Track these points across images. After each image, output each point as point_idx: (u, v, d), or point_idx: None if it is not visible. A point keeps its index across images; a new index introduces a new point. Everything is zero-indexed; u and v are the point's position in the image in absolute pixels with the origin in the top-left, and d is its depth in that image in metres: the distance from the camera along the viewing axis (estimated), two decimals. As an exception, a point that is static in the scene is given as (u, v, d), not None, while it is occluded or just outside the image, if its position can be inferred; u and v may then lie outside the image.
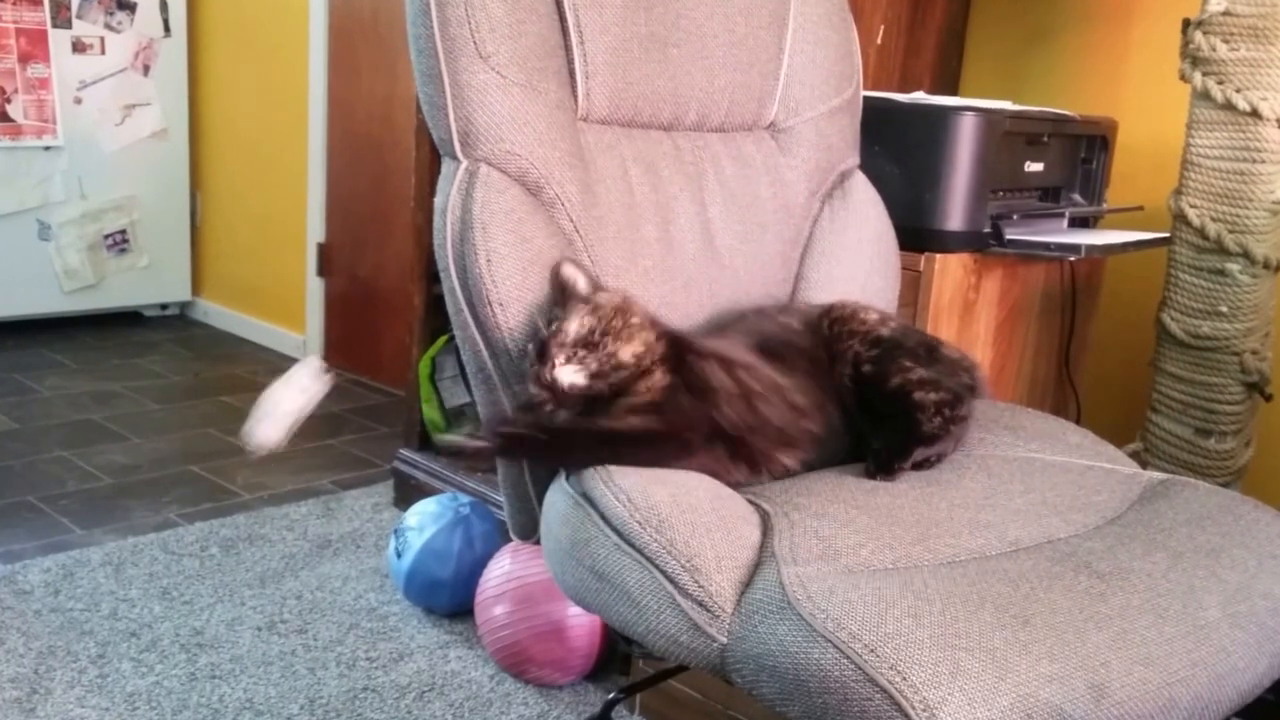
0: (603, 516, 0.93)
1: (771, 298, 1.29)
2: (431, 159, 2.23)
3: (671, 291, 1.18)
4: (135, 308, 3.93)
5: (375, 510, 2.43)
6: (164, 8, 3.71)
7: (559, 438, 0.98)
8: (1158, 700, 0.79)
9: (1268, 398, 1.73)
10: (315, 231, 3.53)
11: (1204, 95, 1.63)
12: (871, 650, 0.75)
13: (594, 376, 0.96)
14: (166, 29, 3.73)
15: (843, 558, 0.88)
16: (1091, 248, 1.60)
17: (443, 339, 2.38)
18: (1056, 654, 0.77)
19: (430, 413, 2.39)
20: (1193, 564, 0.93)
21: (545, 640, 1.74)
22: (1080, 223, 1.82)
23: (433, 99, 1.06)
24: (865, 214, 1.36)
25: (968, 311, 1.63)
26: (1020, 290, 1.73)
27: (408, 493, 2.37)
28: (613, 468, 0.95)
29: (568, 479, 0.98)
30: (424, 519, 1.97)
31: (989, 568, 0.89)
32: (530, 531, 1.10)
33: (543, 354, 0.97)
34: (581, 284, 1.01)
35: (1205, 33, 1.62)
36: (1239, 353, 1.68)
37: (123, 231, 3.75)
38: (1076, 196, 1.84)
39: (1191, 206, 1.67)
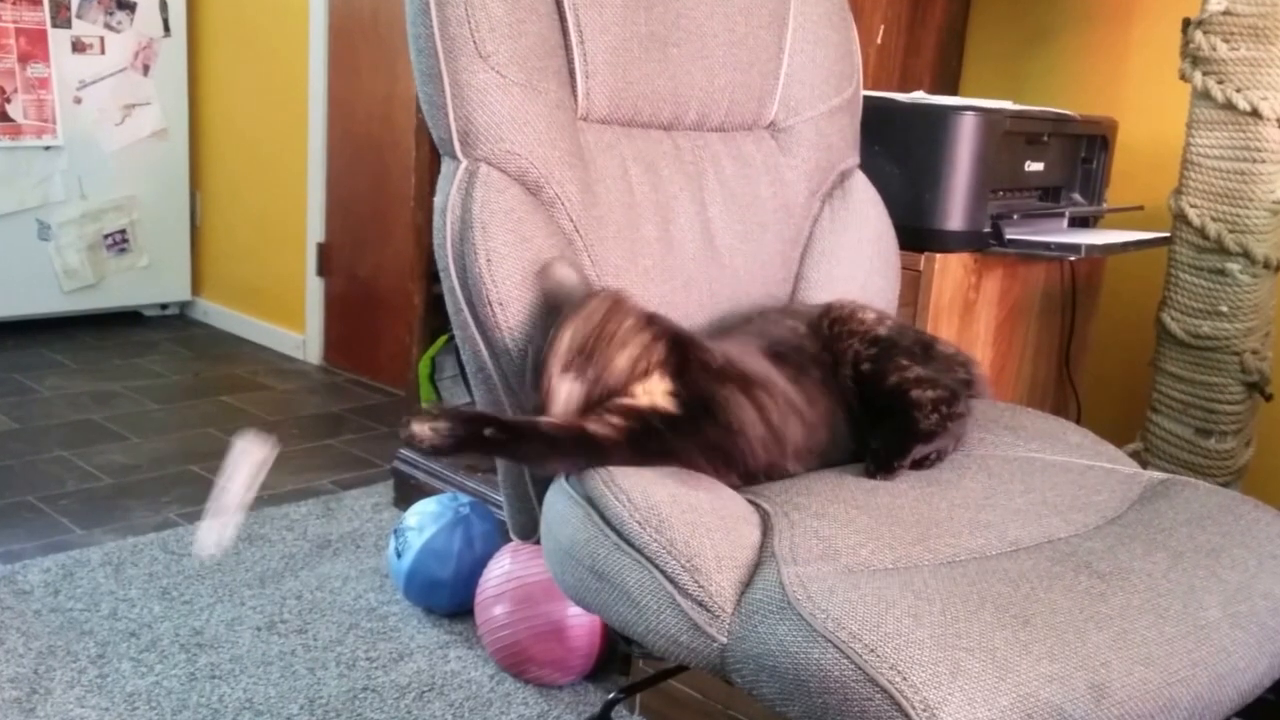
0: (602, 516, 0.93)
1: (771, 297, 1.29)
2: (431, 159, 2.23)
3: (671, 291, 1.18)
4: (135, 307, 3.93)
5: (375, 510, 2.43)
6: (164, 7, 3.70)
7: (536, 440, 0.95)
8: (1158, 700, 0.79)
9: (1268, 397, 1.73)
10: (315, 231, 3.53)
11: (1204, 95, 1.63)
12: (872, 650, 0.75)
13: (593, 384, 0.95)
14: (166, 29, 3.73)
15: (843, 557, 0.88)
16: (1091, 247, 1.60)
17: (443, 339, 2.38)
18: (1057, 654, 0.77)
19: (430, 412, 2.39)
20: (1193, 564, 0.93)
21: (545, 640, 1.74)
22: (1080, 222, 1.82)
23: (432, 98, 1.06)
24: (865, 214, 1.36)
25: (968, 311, 1.63)
26: (1020, 290, 1.73)
27: (408, 493, 2.37)
28: (613, 468, 0.94)
29: (567, 479, 0.98)
30: (424, 519, 1.97)
31: (989, 567, 0.89)
32: (530, 531, 1.10)
33: (539, 368, 0.96)
34: (572, 286, 1.00)
35: (1205, 32, 1.62)
36: (1239, 352, 1.68)
37: (122, 231, 3.75)
38: (1077, 196, 1.84)
39: (1192, 206, 1.67)
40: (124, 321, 3.88)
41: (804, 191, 1.33)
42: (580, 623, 1.74)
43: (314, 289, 3.57)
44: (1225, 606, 0.88)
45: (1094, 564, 0.90)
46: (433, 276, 2.27)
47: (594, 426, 0.94)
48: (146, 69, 3.71)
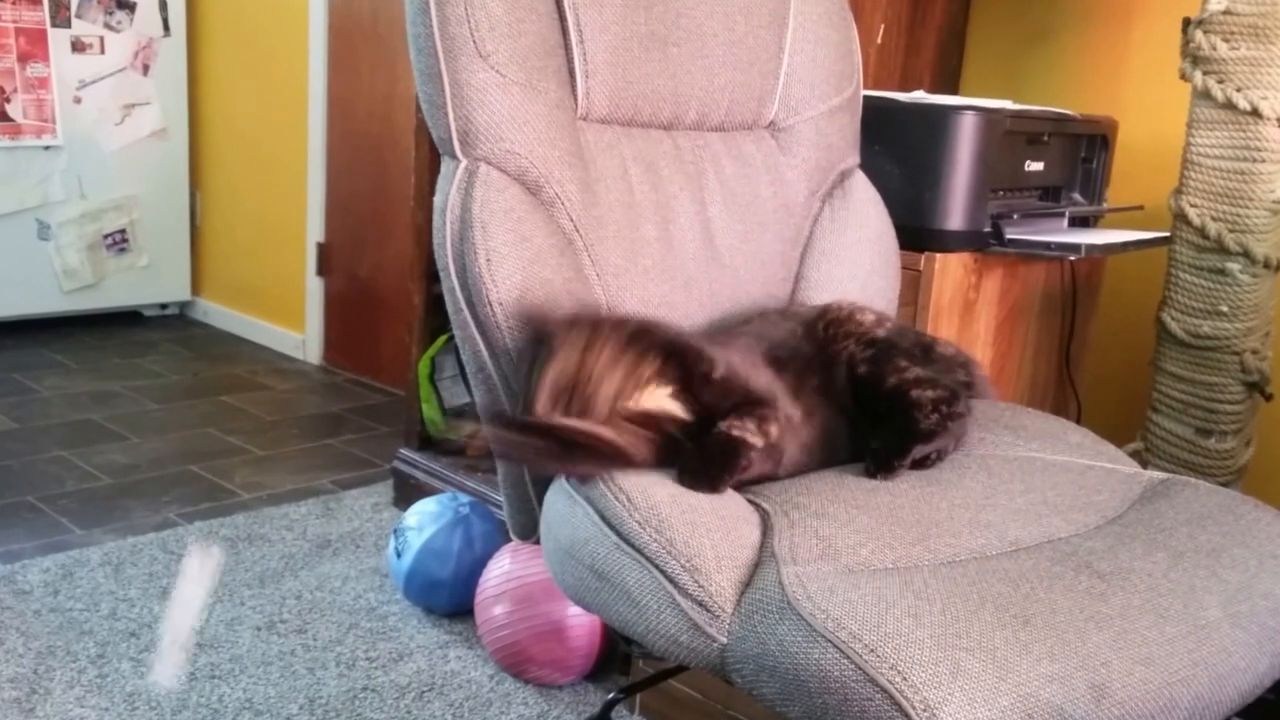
0: (602, 516, 0.93)
1: (772, 297, 1.29)
2: (431, 158, 2.23)
3: (671, 291, 1.18)
4: (135, 307, 3.93)
5: (375, 510, 2.43)
6: (163, 7, 3.70)
7: (564, 442, 0.94)
8: (1158, 700, 0.79)
9: (1268, 397, 1.73)
10: (315, 231, 3.53)
11: (1204, 94, 1.63)
12: (872, 650, 0.75)
13: (582, 415, 0.94)
14: (166, 28, 3.73)
15: (843, 557, 0.88)
16: (1092, 247, 1.60)
17: (443, 339, 2.38)
18: (1057, 654, 0.77)
19: (430, 413, 2.39)
20: (1193, 564, 0.93)
21: (545, 640, 1.74)
22: (1080, 222, 1.82)
23: (432, 98, 1.06)
24: (865, 213, 1.36)
25: (968, 311, 1.63)
26: (1020, 290, 1.73)
27: (407, 492, 2.37)
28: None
29: (568, 479, 0.98)
30: (424, 519, 1.96)
31: (989, 567, 0.88)
32: (530, 531, 1.10)
33: (527, 410, 0.95)
34: (554, 319, 0.98)
35: (1206, 32, 1.62)
36: (1239, 352, 1.68)
37: (122, 231, 3.75)
38: (1077, 196, 1.84)
39: (1192, 206, 1.67)
40: (124, 321, 3.88)
41: (804, 191, 1.33)
42: (580, 623, 1.74)
43: (314, 289, 3.57)
44: (1226, 606, 0.88)
45: (1094, 564, 0.90)
46: (433, 276, 2.27)
47: (618, 437, 0.94)
48: (146, 69, 3.70)
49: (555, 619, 1.74)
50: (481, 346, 1.05)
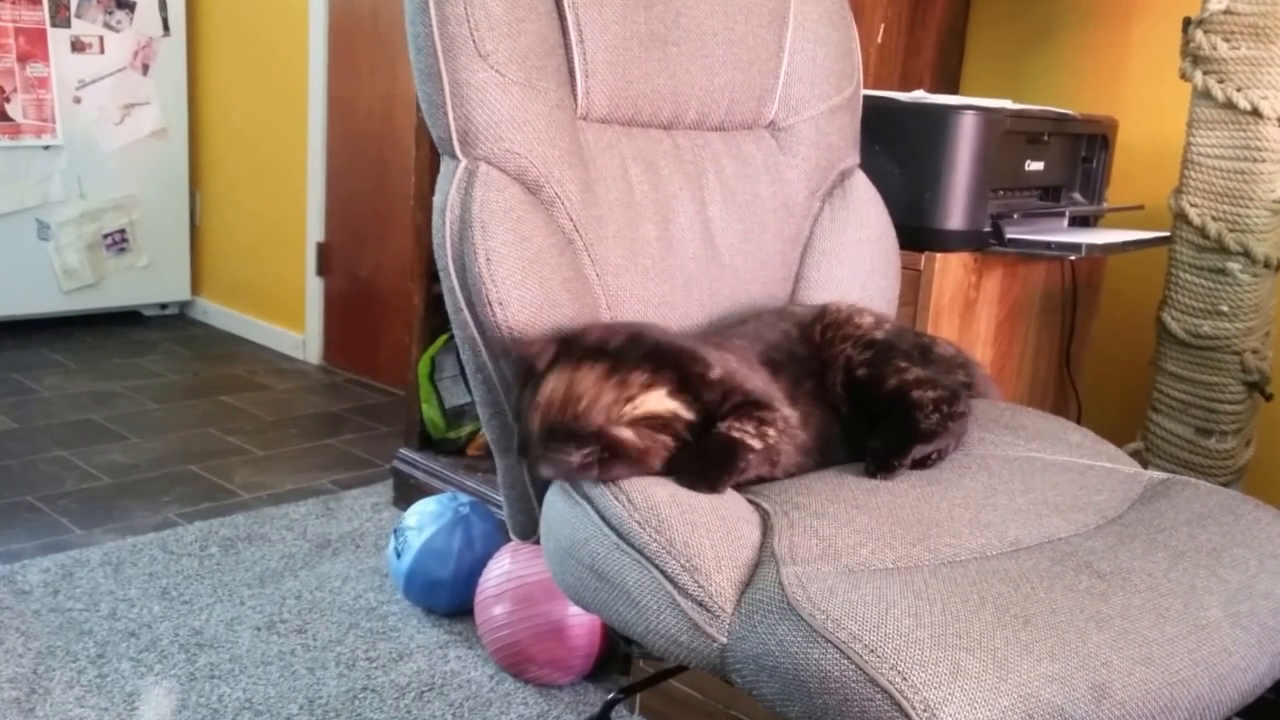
0: (602, 516, 0.93)
1: (772, 297, 1.29)
2: (431, 158, 2.23)
3: (671, 290, 1.18)
4: (134, 307, 3.93)
5: (375, 510, 2.43)
6: (163, 7, 3.70)
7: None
8: (1159, 700, 0.79)
9: (1268, 397, 1.73)
10: (315, 231, 3.53)
11: (1204, 94, 1.63)
12: (872, 650, 0.75)
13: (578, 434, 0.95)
14: (165, 28, 3.73)
15: (843, 557, 0.88)
16: (1092, 247, 1.60)
17: (443, 338, 2.38)
18: (1057, 654, 0.77)
19: (430, 412, 2.39)
20: (1194, 564, 0.93)
21: (545, 640, 1.74)
22: (1081, 222, 1.82)
23: (432, 97, 1.06)
24: (865, 213, 1.36)
25: (968, 311, 1.63)
26: (1021, 289, 1.73)
27: (407, 492, 2.37)
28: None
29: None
30: (423, 519, 1.96)
31: (990, 567, 0.88)
32: (530, 531, 1.10)
33: (524, 448, 0.96)
34: (538, 346, 0.98)
35: (1206, 31, 1.62)
36: (1239, 352, 1.68)
37: (122, 231, 3.75)
38: (1077, 195, 1.84)
39: (1192, 205, 1.67)
40: (123, 321, 3.88)
41: (804, 191, 1.33)
42: (580, 623, 1.74)
43: (314, 289, 3.57)
44: (1226, 606, 0.88)
45: (1095, 564, 0.90)
46: (433, 276, 2.27)
47: (638, 439, 0.95)
48: (146, 68, 3.70)
49: (555, 619, 1.74)
50: (481, 346, 1.05)
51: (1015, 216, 1.66)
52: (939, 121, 1.54)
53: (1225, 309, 1.67)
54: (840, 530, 0.91)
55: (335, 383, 3.42)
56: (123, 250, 3.77)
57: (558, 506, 0.99)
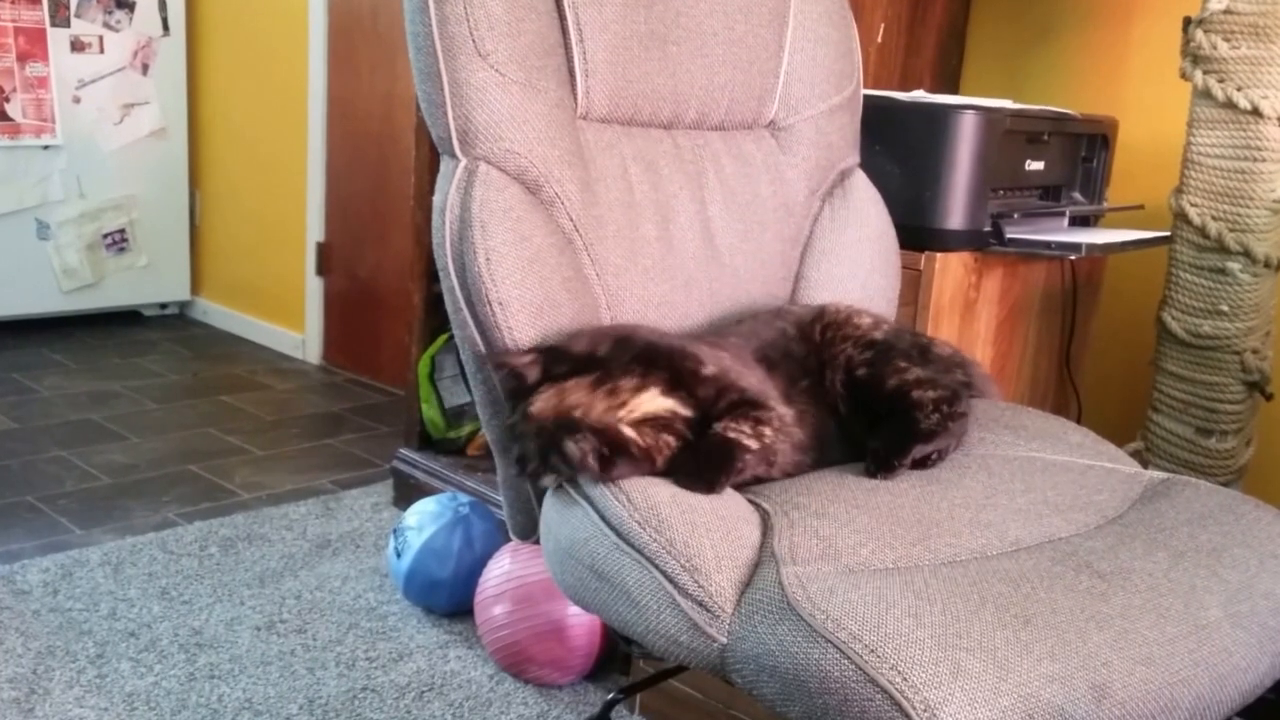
0: (602, 516, 0.93)
1: (772, 297, 1.29)
2: (431, 157, 2.23)
3: (671, 290, 1.18)
4: (134, 307, 3.93)
5: (375, 510, 2.43)
6: (163, 6, 3.70)
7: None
8: (1159, 700, 0.79)
9: (1268, 397, 1.73)
10: (315, 231, 3.53)
11: (1205, 93, 1.63)
12: (872, 650, 0.75)
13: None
14: (165, 28, 3.72)
15: (843, 557, 0.88)
16: (1092, 246, 1.60)
17: (443, 338, 2.37)
18: (1058, 654, 0.77)
19: (430, 412, 2.39)
20: (1194, 563, 0.92)
21: (545, 640, 1.74)
22: (1081, 221, 1.82)
23: (431, 97, 1.06)
24: (866, 213, 1.36)
25: (968, 310, 1.63)
26: (1021, 289, 1.73)
27: (407, 492, 2.37)
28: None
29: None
30: (423, 519, 1.96)
31: (990, 567, 0.88)
32: (530, 531, 1.10)
33: (522, 463, 0.97)
34: (532, 375, 0.98)
35: (1206, 31, 1.62)
36: (1240, 352, 1.68)
37: (121, 231, 3.75)
38: (1077, 195, 1.84)
39: (1192, 205, 1.67)
40: (123, 321, 3.88)
41: (804, 190, 1.33)
42: (580, 623, 1.74)
43: (314, 288, 3.57)
44: (1226, 606, 0.88)
45: (1095, 564, 0.90)
46: (432, 276, 2.27)
47: (641, 438, 0.95)
48: (145, 68, 3.70)
49: (555, 619, 1.73)
50: (481, 347, 1.05)
51: (1015, 216, 1.66)
52: (939, 121, 1.54)
53: (1225, 309, 1.67)
54: (840, 530, 0.91)
55: (335, 383, 3.42)
56: (122, 250, 3.77)
57: (557, 506, 0.99)
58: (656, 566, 0.88)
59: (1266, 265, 1.65)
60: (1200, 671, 0.82)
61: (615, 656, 1.82)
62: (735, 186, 1.26)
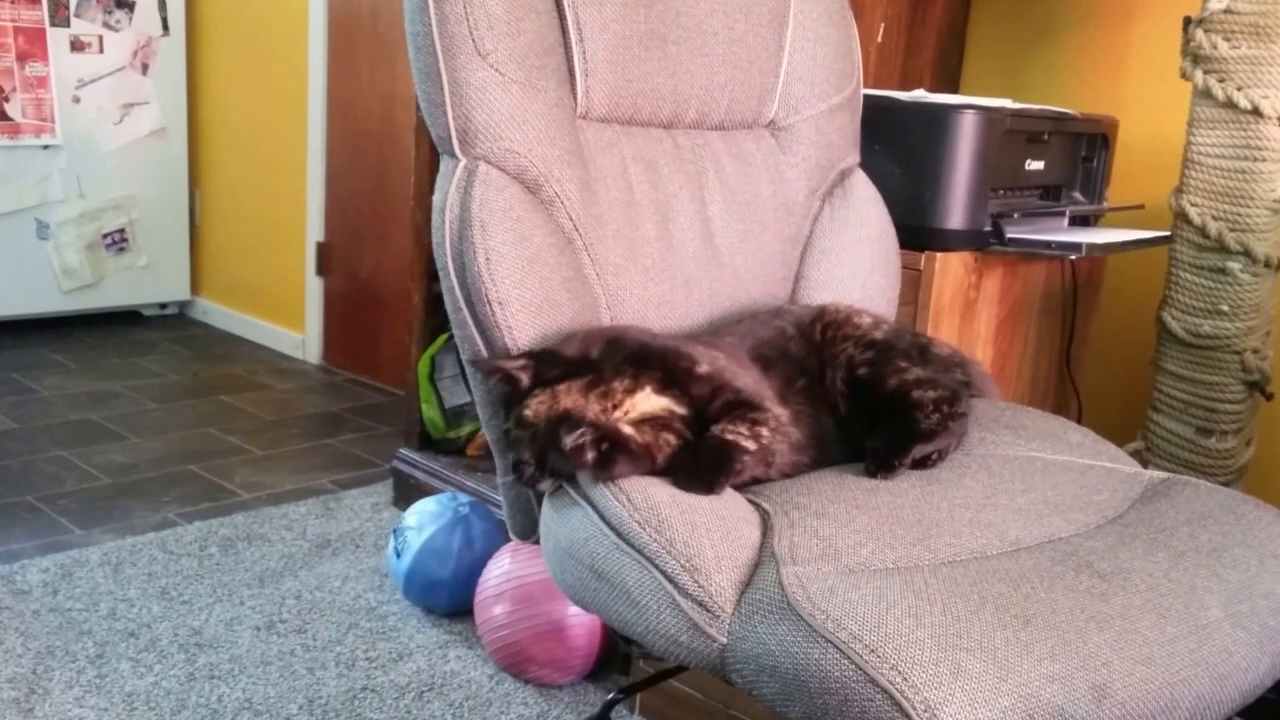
0: (601, 516, 0.93)
1: (772, 296, 1.29)
2: (431, 157, 2.23)
3: (671, 290, 1.18)
4: (134, 307, 3.92)
5: (374, 510, 2.43)
6: (162, 6, 3.70)
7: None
8: (1160, 700, 0.79)
9: (1268, 396, 1.73)
10: (314, 230, 3.53)
11: (1205, 93, 1.63)
12: (872, 650, 0.75)
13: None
14: (165, 27, 3.72)
15: (843, 557, 0.88)
16: (1092, 246, 1.60)
17: (443, 338, 2.37)
18: (1058, 654, 0.77)
19: (430, 412, 2.39)
20: (1194, 563, 0.92)
21: (545, 640, 1.74)
22: (1081, 221, 1.82)
23: (431, 97, 1.06)
24: (866, 212, 1.36)
25: (968, 310, 1.63)
26: (1021, 289, 1.73)
27: (407, 492, 2.37)
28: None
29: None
30: (423, 519, 1.96)
31: (990, 567, 0.88)
32: (529, 531, 1.10)
33: (519, 470, 0.97)
34: (525, 380, 0.98)
35: (1206, 31, 1.61)
36: (1240, 351, 1.68)
37: (121, 231, 3.75)
38: (1077, 195, 1.84)
39: (1192, 205, 1.67)
40: (123, 321, 3.88)
41: (804, 190, 1.33)
42: (580, 623, 1.74)
43: (313, 288, 3.57)
44: (1227, 606, 0.88)
45: (1095, 564, 0.90)
46: (432, 276, 2.27)
47: (639, 436, 0.95)
48: (145, 68, 3.70)
49: (555, 619, 1.73)
50: (481, 346, 1.05)
51: (1015, 216, 1.66)
52: (939, 121, 1.54)
53: (1225, 308, 1.67)
54: (840, 530, 0.91)
55: (335, 382, 3.42)
56: (122, 250, 3.77)
57: (557, 507, 0.99)
58: (656, 566, 0.88)
59: (1266, 265, 1.65)
60: (1200, 671, 0.82)
61: (615, 656, 1.82)
62: (735, 186, 1.26)
